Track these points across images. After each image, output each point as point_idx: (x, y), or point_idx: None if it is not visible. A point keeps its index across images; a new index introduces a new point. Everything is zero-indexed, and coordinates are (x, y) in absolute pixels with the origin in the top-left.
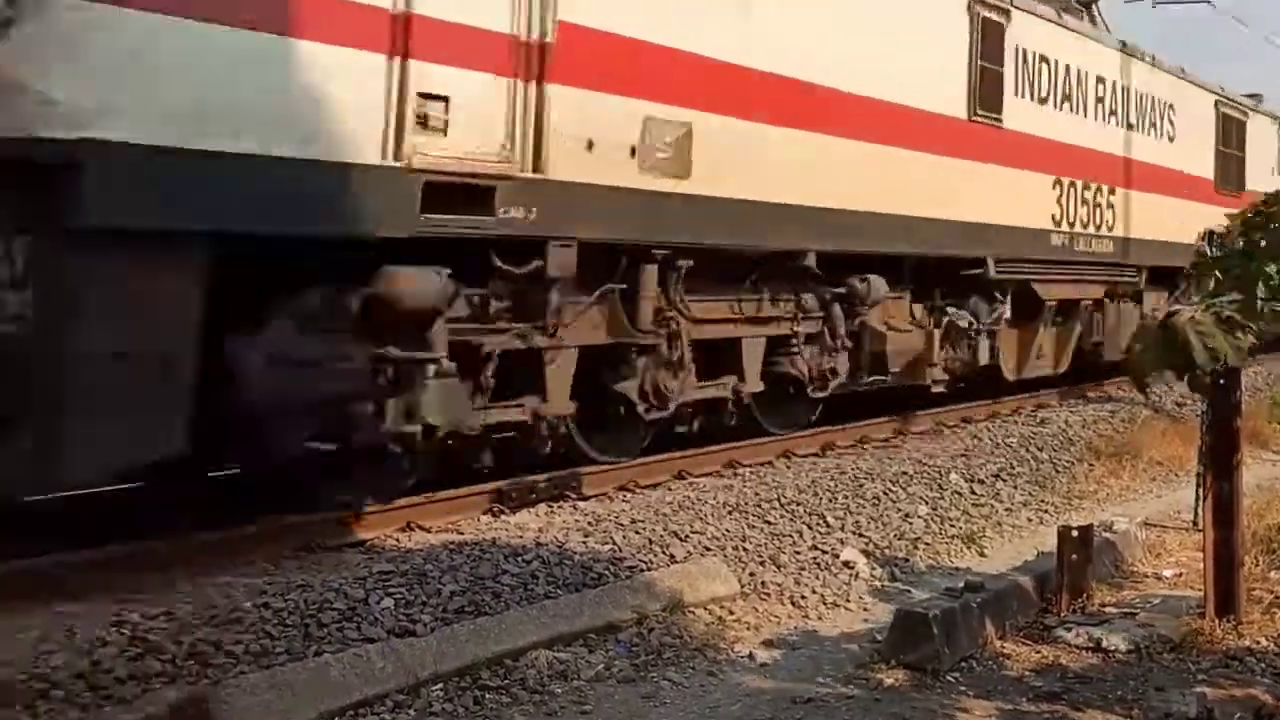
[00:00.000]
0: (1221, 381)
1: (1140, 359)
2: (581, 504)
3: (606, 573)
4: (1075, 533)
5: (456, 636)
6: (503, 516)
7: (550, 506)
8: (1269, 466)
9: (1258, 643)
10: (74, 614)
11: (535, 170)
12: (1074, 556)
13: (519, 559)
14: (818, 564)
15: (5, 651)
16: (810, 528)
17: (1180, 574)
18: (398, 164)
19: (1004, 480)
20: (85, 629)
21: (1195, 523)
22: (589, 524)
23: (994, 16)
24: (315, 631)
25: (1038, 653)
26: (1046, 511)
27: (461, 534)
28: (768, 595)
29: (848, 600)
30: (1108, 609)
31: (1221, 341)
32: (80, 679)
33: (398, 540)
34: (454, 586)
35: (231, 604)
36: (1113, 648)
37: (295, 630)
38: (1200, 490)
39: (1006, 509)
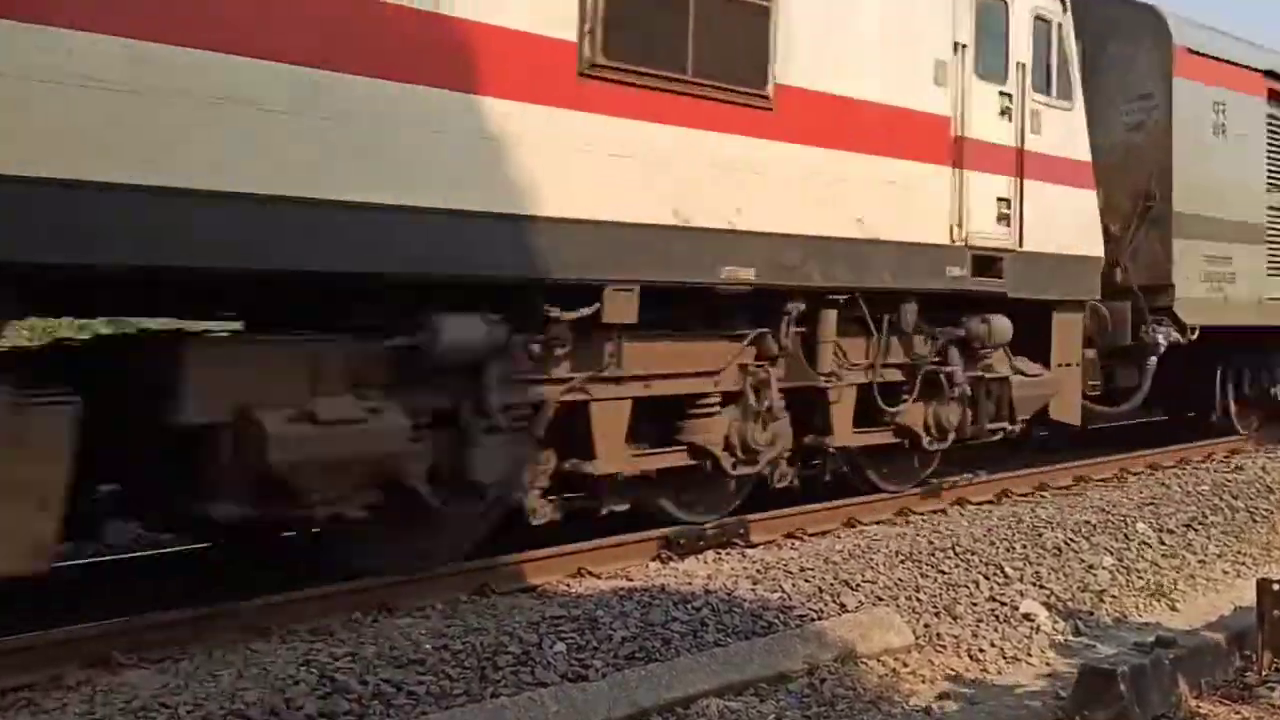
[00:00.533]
0: None
1: None
2: (749, 551)
3: (776, 621)
4: (1277, 586)
5: (628, 682)
6: (671, 563)
7: (718, 554)
8: None
9: None
10: (267, 652)
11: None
12: (1276, 612)
13: (688, 606)
14: (996, 616)
15: (206, 687)
16: (987, 578)
17: None
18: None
19: (1196, 530)
20: (278, 668)
21: None
22: (757, 571)
23: None
24: (491, 674)
25: (1237, 714)
26: (1243, 563)
27: (631, 580)
28: (943, 647)
29: (1029, 654)
30: None
31: None
32: (274, 716)
33: (569, 586)
34: (625, 632)
35: (413, 645)
36: None
37: (472, 672)
38: None
39: (1199, 560)
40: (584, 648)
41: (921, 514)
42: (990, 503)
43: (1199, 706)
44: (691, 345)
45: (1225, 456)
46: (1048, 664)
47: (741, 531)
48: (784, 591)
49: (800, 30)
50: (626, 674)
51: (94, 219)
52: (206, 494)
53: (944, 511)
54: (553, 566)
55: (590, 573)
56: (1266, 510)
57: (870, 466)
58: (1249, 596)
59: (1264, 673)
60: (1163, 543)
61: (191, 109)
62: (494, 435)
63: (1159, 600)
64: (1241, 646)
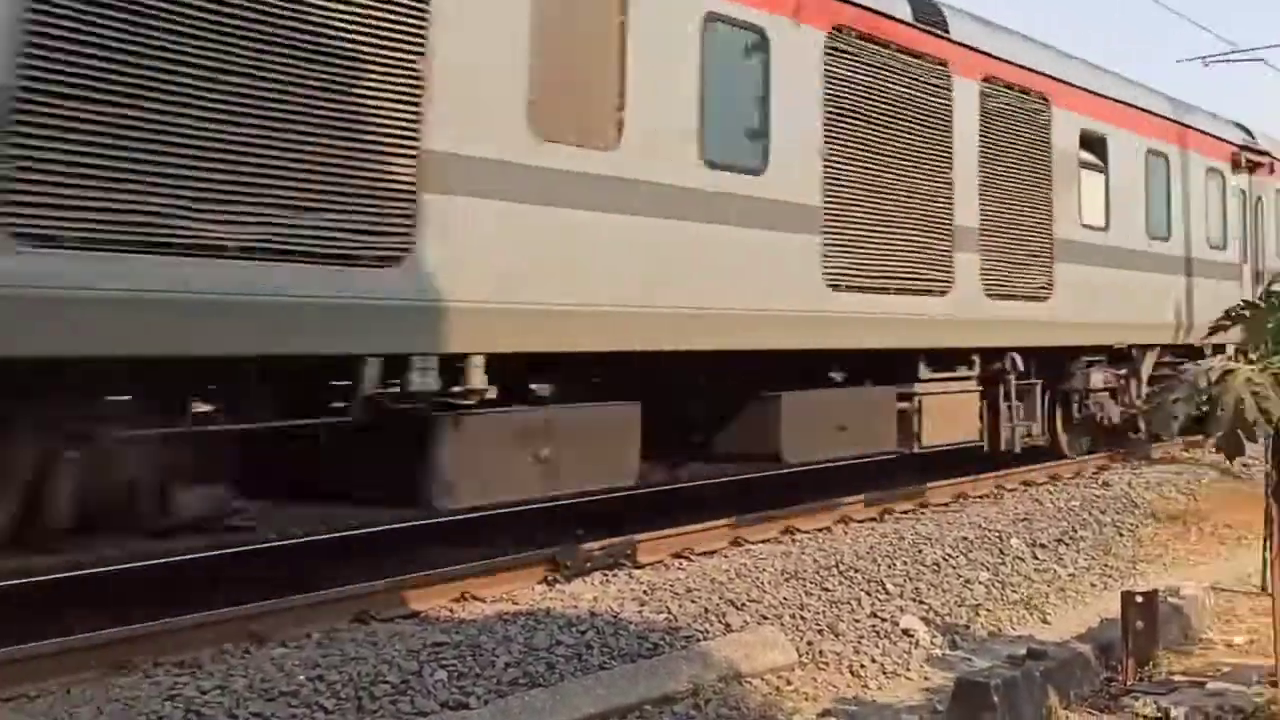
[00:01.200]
0: None
1: (1163, 411)
2: (636, 572)
3: (662, 642)
4: (1140, 599)
5: (510, 710)
6: (557, 585)
7: (605, 575)
8: None
9: None
10: (130, 687)
11: None
12: (1139, 623)
13: (574, 629)
14: (877, 632)
15: None
16: (869, 595)
17: (1252, 641)
18: None
19: (1066, 545)
20: (141, 703)
21: (1264, 588)
22: (644, 593)
23: None
24: (368, 705)
25: None
26: (1111, 577)
27: (517, 603)
28: (826, 665)
29: (908, 669)
30: (1175, 677)
31: (1277, 403)
32: None
33: (452, 610)
34: (508, 658)
35: (285, 676)
36: (1181, 718)
37: (348, 703)
38: (1268, 554)
39: (1069, 574)
40: (466, 674)
41: (807, 532)
42: (874, 520)
43: (1068, 717)
44: None
45: (1094, 473)
46: (926, 678)
47: (628, 552)
48: (670, 612)
49: None
50: (509, 700)
51: None
52: None
53: (829, 529)
54: (436, 591)
55: (475, 596)
56: (1132, 525)
57: None
58: (1115, 608)
59: (1128, 682)
60: (1036, 557)
61: None
62: None
63: (1032, 613)
64: (1108, 657)
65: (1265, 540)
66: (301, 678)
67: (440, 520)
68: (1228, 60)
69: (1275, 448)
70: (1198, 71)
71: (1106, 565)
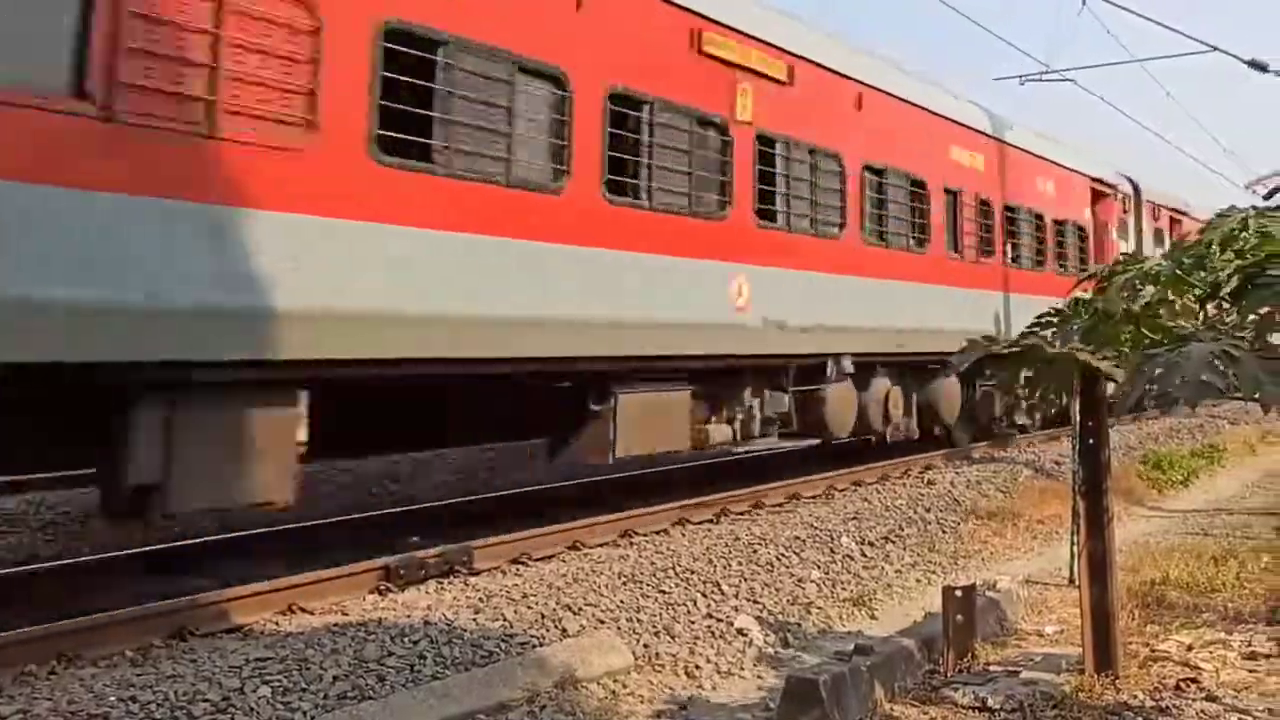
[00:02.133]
0: (1090, 441)
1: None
2: (473, 579)
3: (498, 650)
4: (959, 593)
5: None
6: (390, 595)
7: (440, 583)
8: (1142, 522)
9: (1135, 696)
10: None
11: None
12: (959, 617)
13: (406, 639)
14: (712, 633)
15: None
16: (705, 595)
17: (1062, 630)
18: None
19: (893, 542)
20: None
21: (1072, 580)
22: (480, 600)
23: None
24: None
25: (926, 714)
26: (934, 572)
27: (347, 615)
28: (661, 667)
29: (741, 668)
30: (993, 668)
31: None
32: None
33: (278, 624)
34: (336, 671)
35: (95, 698)
36: (997, 706)
37: None
38: (1075, 548)
39: (896, 571)
40: (291, 690)
41: (645, 535)
42: (710, 522)
43: (892, 709)
44: None
45: (920, 472)
46: (759, 677)
47: (465, 559)
48: (506, 619)
49: None
50: (336, 715)
51: None
52: None
53: (666, 532)
54: (261, 604)
55: (303, 609)
56: (954, 522)
57: None
58: (938, 603)
59: (949, 674)
60: (864, 555)
61: None
62: None
63: (860, 609)
64: (931, 650)
65: (1072, 534)
66: (113, 699)
67: (268, 530)
68: (1042, 79)
69: (1081, 448)
70: (1014, 88)
71: (930, 561)
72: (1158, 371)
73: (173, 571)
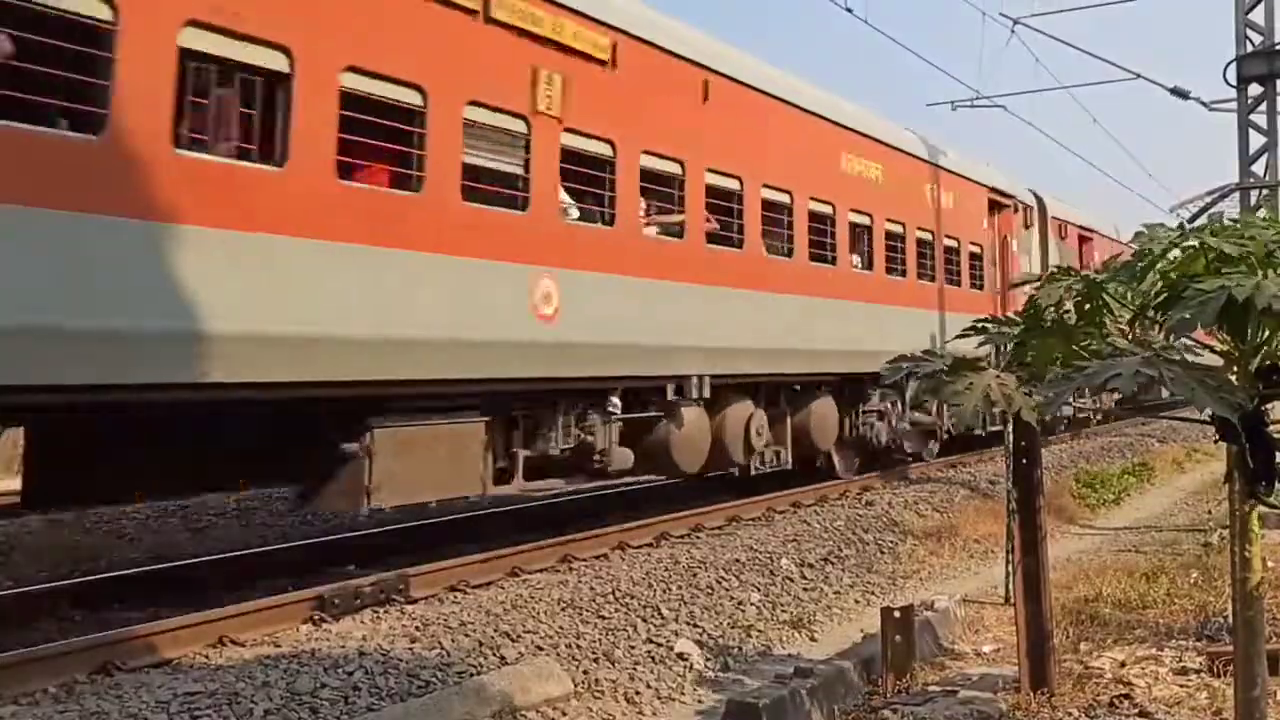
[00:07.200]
0: (1024, 461)
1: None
2: (409, 607)
3: (434, 680)
4: (897, 614)
5: None
6: (324, 625)
7: (376, 612)
8: (1076, 540)
9: (1069, 714)
10: None
11: None
12: (897, 638)
13: (341, 670)
14: (652, 657)
15: None
16: (645, 620)
17: (998, 649)
18: None
19: (832, 564)
20: None
21: (1008, 598)
22: (417, 629)
23: None
24: None
25: None
26: (873, 593)
27: (279, 646)
28: (601, 693)
29: (682, 693)
30: (931, 688)
31: (1018, 397)
32: None
33: (208, 657)
34: (268, 705)
35: None
36: None
37: None
38: (1010, 567)
39: (835, 592)
40: None
41: (584, 560)
42: (650, 545)
43: None
44: None
45: (858, 493)
46: (700, 701)
47: (401, 587)
48: (443, 648)
49: None
50: None
51: None
52: None
53: (606, 557)
54: (190, 636)
55: (234, 641)
56: (892, 542)
57: None
58: (877, 624)
59: (888, 695)
60: (804, 577)
61: None
62: None
63: (800, 632)
64: (870, 671)
65: (1008, 553)
66: None
67: (199, 559)
68: (973, 106)
69: (1015, 468)
70: (947, 114)
71: (869, 582)
72: (1089, 372)
73: (98, 605)
